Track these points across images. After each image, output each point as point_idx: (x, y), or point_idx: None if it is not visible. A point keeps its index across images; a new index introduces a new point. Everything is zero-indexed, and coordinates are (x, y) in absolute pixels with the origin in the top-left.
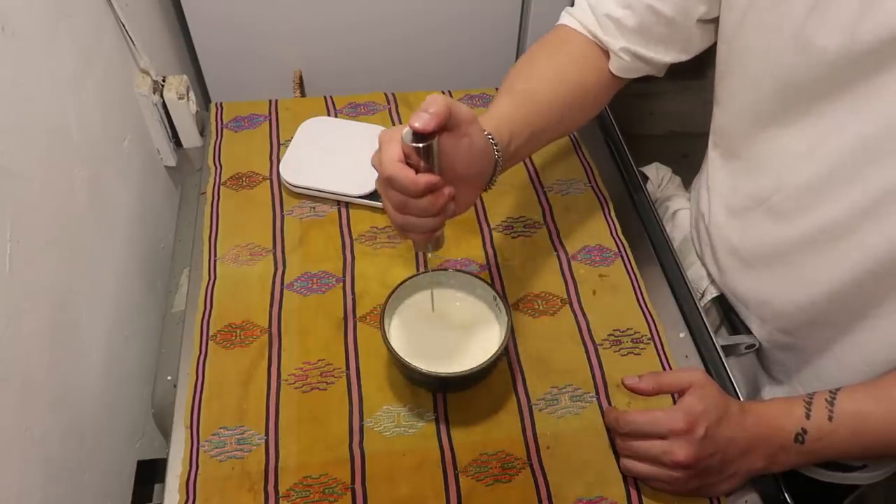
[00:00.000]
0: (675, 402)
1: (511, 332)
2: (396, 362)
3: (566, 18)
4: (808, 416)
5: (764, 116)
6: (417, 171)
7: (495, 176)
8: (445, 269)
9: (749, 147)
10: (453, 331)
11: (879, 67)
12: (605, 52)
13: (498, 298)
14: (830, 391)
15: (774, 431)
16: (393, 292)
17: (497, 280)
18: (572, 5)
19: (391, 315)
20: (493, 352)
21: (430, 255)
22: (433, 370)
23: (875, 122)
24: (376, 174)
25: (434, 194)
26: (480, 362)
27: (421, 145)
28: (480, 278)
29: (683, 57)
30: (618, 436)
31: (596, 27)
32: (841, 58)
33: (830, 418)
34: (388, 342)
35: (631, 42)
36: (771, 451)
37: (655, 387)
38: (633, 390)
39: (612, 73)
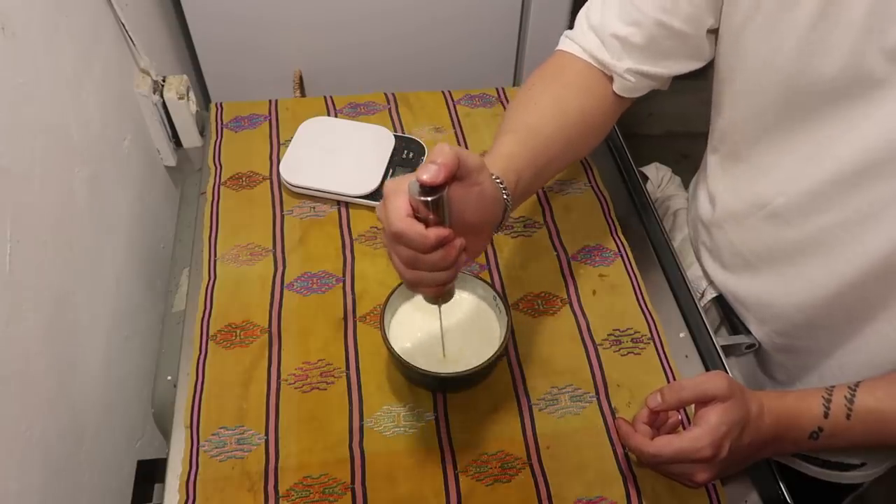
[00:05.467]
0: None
1: (511, 332)
2: (396, 362)
3: (565, 43)
4: (826, 415)
5: (767, 122)
6: (427, 225)
7: (505, 220)
8: None
9: (750, 152)
10: (453, 331)
11: (884, 79)
12: (608, 77)
13: (498, 298)
14: (850, 387)
15: (790, 431)
16: (393, 292)
17: (497, 280)
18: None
19: (391, 315)
20: (493, 352)
21: (439, 305)
22: (433, 370)
23: (878, 130)
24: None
25: (445, 248)
26: (480, 362)
27: (430, 199)
28: (481, 278)
29: (691, 67)
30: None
31: (600, 50)
32: (845, 68)
33: (849, 416)
34: (388, 342)
35: (636, 61)
36: (783, 447)
37: (678, 403)
38: (658, 410)
39: (615, 95)
